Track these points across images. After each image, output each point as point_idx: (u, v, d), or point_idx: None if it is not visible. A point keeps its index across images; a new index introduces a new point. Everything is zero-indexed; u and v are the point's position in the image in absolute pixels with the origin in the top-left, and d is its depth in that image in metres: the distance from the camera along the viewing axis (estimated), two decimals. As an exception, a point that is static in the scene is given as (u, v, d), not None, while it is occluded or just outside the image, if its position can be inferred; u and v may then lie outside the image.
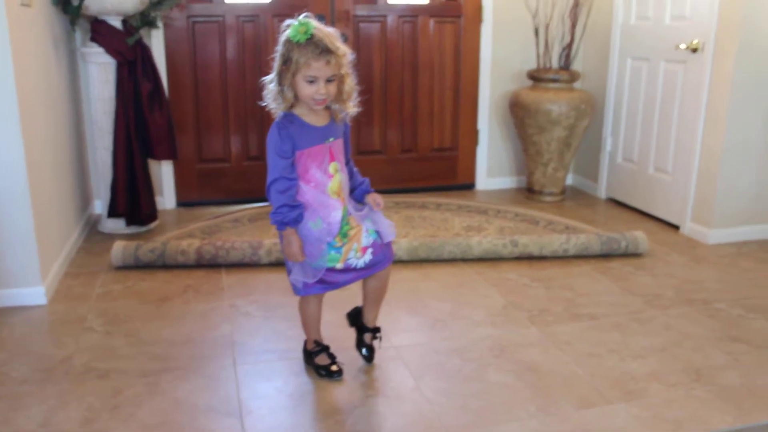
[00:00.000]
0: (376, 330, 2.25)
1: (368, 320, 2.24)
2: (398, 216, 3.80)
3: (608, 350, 2.35)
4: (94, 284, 2.89)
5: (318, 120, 1.97)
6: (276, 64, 1.91)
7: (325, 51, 1.84)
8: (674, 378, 2.17)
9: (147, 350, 2.33)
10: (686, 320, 2.59)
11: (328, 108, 2.00)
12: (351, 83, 1.95)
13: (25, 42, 2.71)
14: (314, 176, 1.96)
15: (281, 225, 1.95)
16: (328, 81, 1.88)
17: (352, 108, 1.99)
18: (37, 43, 2.91)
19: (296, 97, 1.92)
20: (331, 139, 1.99)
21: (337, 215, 2.00)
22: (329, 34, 1.87)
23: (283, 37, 1.89)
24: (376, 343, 2.28)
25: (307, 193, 1.97)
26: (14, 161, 2.56)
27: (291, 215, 1.94)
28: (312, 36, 1.83)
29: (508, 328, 2.52)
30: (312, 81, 1.87)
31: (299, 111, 1.95)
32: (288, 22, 1.88)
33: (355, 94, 1.98)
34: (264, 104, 1.96)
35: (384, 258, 2.10)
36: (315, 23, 1.86)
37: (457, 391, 2.09)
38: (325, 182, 1.98)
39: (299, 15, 1.87)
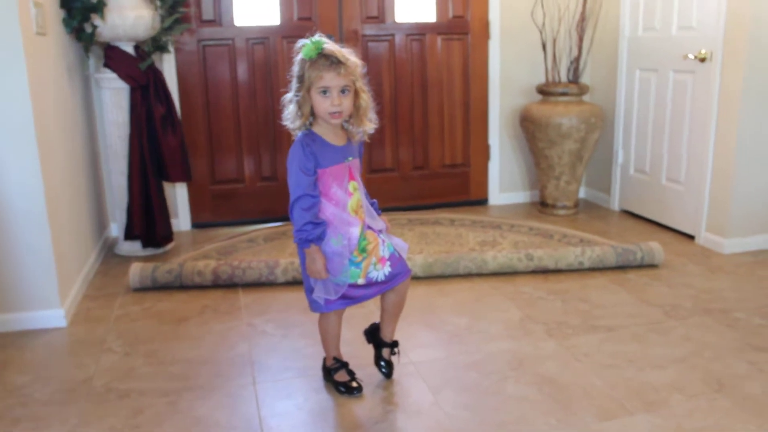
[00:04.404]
0: (394, 344, 2.25)
1: (386, 335, 2.25)
2: (412, 233, 3.80)
3: (627, 361, 2.34)
4: (112, 306, 2.92)
5: (337, 140, 2.00)
6: (292, 84, 1.96)
7: (335, 62, 1.88)
8: (695, 388, 2.16)
9: (166, 370, 2.34)
10: (705, 330, 2.57)
11: (345, 129, 2.03)
12: (366, 98, 1.98)
13: (41, 69, 2.75)
14: (336, 194, 1.99)
15: (305, 243, 1.97)
16: (342, 93, 1.91)
17: (369, 125, 2.02)
18: (53, 70, 2.96)
19: (314, 115, 1.95)
20: (350, 159, 2.02)
21: (355, 231, 2.02)
22: (341, 49, 1.93)
23: (297, 57, 1.93)
24: (394, 358, 2.29)
25: (328, 210, 1.99)
26: (32, 186, 2.60)
27: (315, 232, 1.95)
28: (322, 50, 1.88)
29: (525, 341, 2.51)
30: (325, 92, 1.90)
31: (319, 130, 1.98)
32: (301, 42, 1.92)
33: (372, 111, 2.01)
34: (284, 124, 1.99)
35: (402, 270, 2.11)
36: (326, 41, 1.91)
37: (477, 405, 2.09)
38: (345, 200, 2.00)
39: (312, 35, 1.92)
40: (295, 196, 1.95)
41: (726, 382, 2.19)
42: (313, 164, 1.95)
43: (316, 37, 1.91)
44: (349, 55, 1.93)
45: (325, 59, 1.89)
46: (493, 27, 4.30)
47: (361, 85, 1.97)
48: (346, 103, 1.93)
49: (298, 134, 1.98)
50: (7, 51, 2.49)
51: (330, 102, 1.91)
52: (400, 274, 2.11)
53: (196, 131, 4.02)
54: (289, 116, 1.98)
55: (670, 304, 2.82)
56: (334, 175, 1.98)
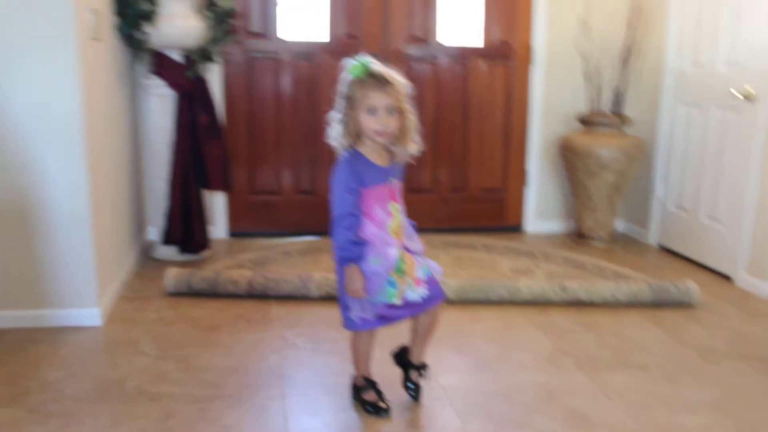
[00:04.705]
0: (422, 367, 2.25)
1: (415, 357, 2.24)
2: (447, 256, 3.80)
3: (659, 402, 2.30)
4: (147, 309, 2.96)
5: (381, 160, 2.02)
6: (338, 103, 1.98)
7: (383, 82, 1.91)
8: (728, 434, 2.12)
9: (198, 377, 2.37)
10: (740, 375, 2.52)
11: (388, 150, 2.04)
12: (412, 119, 2.00)
13: (94, 73, 2.82)
14: (377, 215, 2.00)
15: (345, 261, 1.98)
16: (389, 113, 1.93)
17: (414, 146, 2.03)
18: (105, 74, 3.03)
19: (359, 135, 1.97)
20: (392, 180, 2.04)
21: (394, 252, 2.02)
22: (387, 69, 1.96)
23: (343, 76, 1.96)
24: (422, 380, 2.28)
25: (369, 230, 2.00)
26: (78, 186, 2.66)
27: (356, 251, 1.97)
28: (370, 70, 1.91)
29: (556, 373, 2.49)
30: (372, 111, 1.92)
31: (364, 150, 2.00)
32: (348, 61, 1.95)
33: (416, 132, 2.02)
34: (329, 142, 2.02)
35: (438, 294, 2.11)
36: (373, 60, 1.95)
37: (505, 434, 2.08)
38: (386, 221, 2.02)
39: (358, 54, 1.95)
40: (338, 214, 1.97)
41: (760, 430, 2.15)
42: (357, 183, 1.97)
43: (363, 57, 1.94)
44: (396, 75, 1.96)
45: (372, 79, 1.92)
46: (536, 54, 4.30)
47: (408, 105, 1.99)
48: (393, 122, 1.95)
49: (342, 153, 2.01)
50: (63, 54, 2.55)
51: (376, 121, 1.93)
52: (435, 298, 2.11)
53: (238, 141, 4.08)
54: (335, 135, 2.00)
55: (705, 346, 2.77)
56: (376, 195, 2.00)
